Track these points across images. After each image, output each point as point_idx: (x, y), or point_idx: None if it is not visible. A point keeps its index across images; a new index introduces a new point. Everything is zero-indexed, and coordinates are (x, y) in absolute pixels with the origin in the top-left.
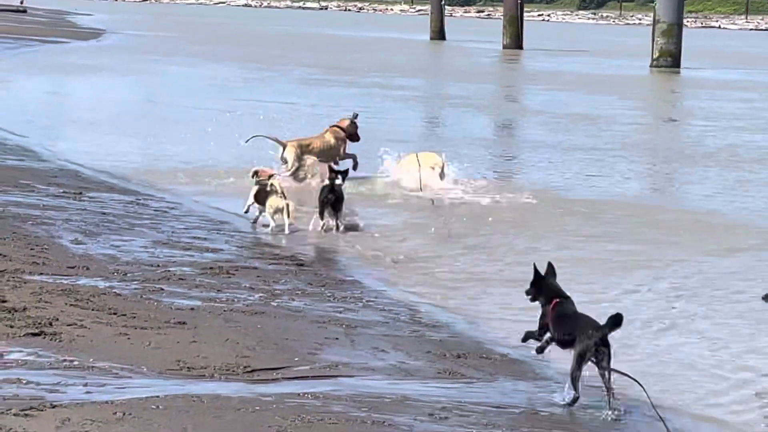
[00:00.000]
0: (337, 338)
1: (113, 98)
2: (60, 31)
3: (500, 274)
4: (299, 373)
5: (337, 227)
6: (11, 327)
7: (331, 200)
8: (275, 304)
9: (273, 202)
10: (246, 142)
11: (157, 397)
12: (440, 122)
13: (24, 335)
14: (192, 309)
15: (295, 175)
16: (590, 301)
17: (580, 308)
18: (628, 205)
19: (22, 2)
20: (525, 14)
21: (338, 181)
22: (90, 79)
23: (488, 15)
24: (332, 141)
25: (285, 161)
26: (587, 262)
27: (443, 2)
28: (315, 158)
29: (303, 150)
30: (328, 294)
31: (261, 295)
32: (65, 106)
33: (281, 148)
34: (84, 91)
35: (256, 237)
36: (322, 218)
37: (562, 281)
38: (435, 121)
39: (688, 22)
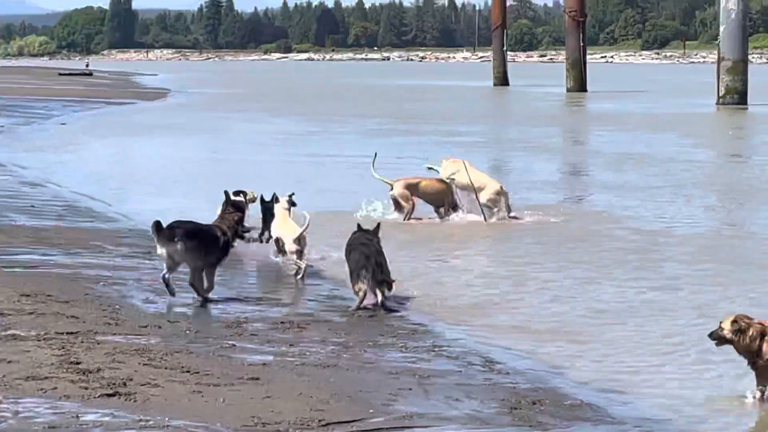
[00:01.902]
0: (410, 388)
1: (180, 157)
2: (125, 92)
3: (573, 316)
4: (374, 425)
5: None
6: (86, 389)
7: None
8: (347, 356)
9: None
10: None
11: None
12: (506, 166)
13: (99, 396)
14: (264, 364)
15: (401, 212)
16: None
17: None
18: (699, 239)
19: (87, 65)
20: (588, 57)
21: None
22: (156, 138)
23: (551, 59)
24: (438, 184)
25: (394, 199)
26: (670, 303)
27: (505, 48)
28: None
29: (411, 189)
30: (400, 344)
31: (333, 347)
32: (133, 167)
33: (390, 187)
34: (151, 150)
35: (326, 289)
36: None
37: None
38: (501, 166)
39: (753, 58)
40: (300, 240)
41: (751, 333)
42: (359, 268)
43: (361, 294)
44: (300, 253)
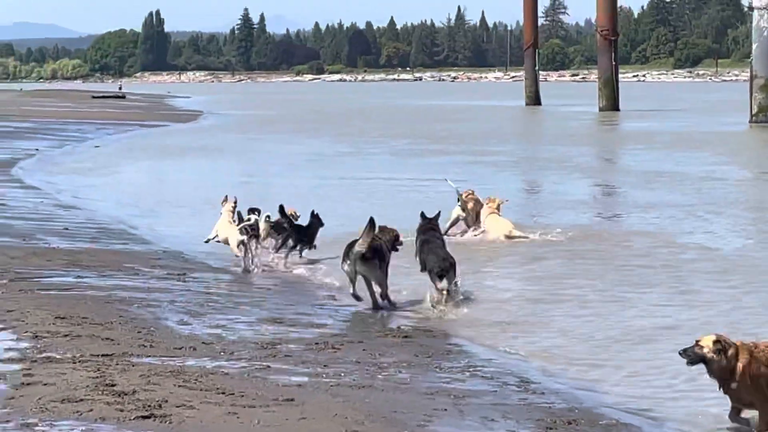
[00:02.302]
0: (445, 409)
1: (212, 179)
2: (158, 115)
3: (607, 335)
4: None
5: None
6: (121, 411)
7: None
8: (382, 377)
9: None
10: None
11: None
12: (539, 186)
13: (134, 419)
14: (299, 385)
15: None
16: None
17: None
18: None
19: (120, 87)
20: (620, 75)
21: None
22: (189, 160)
23: (583, 78)
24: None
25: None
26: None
27: (537, 68)
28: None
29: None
30: (435, 364)
31: (367, 368)
32: (166, 189)
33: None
34: (184, 172)
35: (360, 311)
36: None
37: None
38: (533, 185)
39: None
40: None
41: (730, 353)
42: (441, 270)
43: (444, 293)
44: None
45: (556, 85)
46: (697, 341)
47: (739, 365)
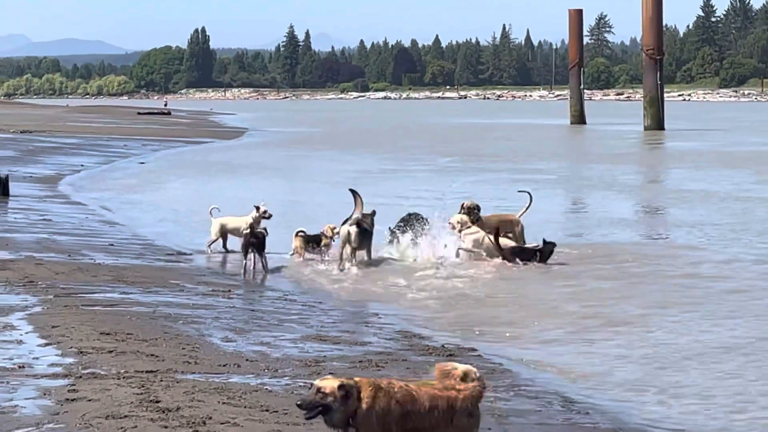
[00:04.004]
0: (489, 429)
1: (257, 196)
2: (203, 132)
3: (653, 355)
4: None
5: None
6: (165, 427)
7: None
8: None
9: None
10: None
11: None
12: (583, 204)
13: None
14: None
15: None
16: None
17: None
18: None
19: (166, 104)
20: (665, 95)
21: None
22: (233, 177)
23: (628, 97)
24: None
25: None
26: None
27: (582, 86)
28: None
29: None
30: None
31: None
32: (210, 205)
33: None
34: (228, 189)
35: (404, 329)
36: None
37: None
38: (578, 204)
39: None
40: None
41: (355, 395)
42: None
43: None
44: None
45: (600, 104)
46: (318, 388)
47: (362, 406)
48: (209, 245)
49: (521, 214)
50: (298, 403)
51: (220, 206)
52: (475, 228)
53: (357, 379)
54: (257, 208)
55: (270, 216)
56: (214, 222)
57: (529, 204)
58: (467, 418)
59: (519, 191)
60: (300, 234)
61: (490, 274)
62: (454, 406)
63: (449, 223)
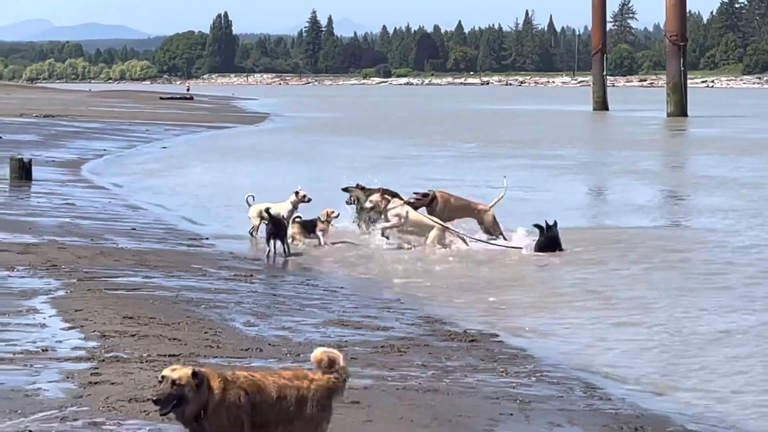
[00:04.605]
0: (511, 414)
1: (279, 181)
2: (225, 117)
3: (673, 340)
4: None
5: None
6: None
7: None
8: (448, 380)
9: None
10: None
11: None
12: (605, 190)
13: None
14: (365, 388)
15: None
16: None
17: None
18: None
19: (188, 89)
20: (688, 81)
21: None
22: (256, 162)
23: (651, 83)
24: None
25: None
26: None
27: (605, 72)
28: None
29: None
30: (501, 369)
31: (433, 372)
32: (233, 190)
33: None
34: (251, 174)
35: (426, 314)
36: None
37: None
38: (600, 190)
39: None
40: None
41: (206, 385)
42: None
43: None
44: None
45: (623, 91)
46: (173, 380)
47: (215, 398)
48: (253, 232)
49: (493, 205)
50: (154, 398)
51: (246, 191)
52: (397, 201)
53: (203, 369)
54: (296, 193)
55: (309, 200)
56: (253, 208)
57: (503, 195)
58: (318, 411)
59: (504, 177)
60: (297, 221)
61: (512, 259)
62: (304, 397)
63: (370, 201)
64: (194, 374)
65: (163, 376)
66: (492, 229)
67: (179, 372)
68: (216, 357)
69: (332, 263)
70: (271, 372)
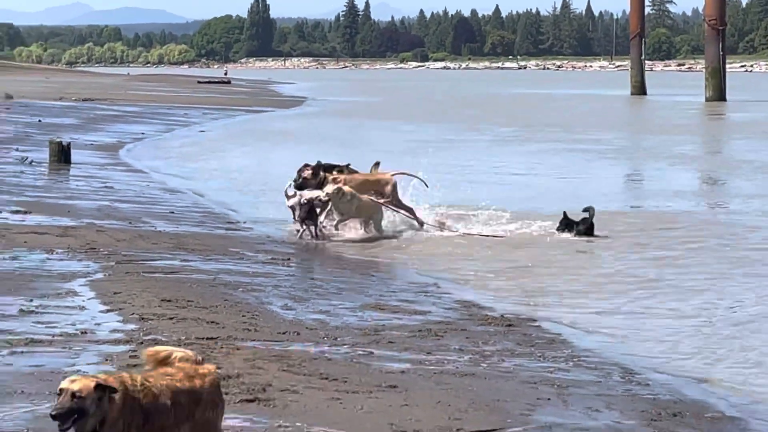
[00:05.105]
0: (549, 399)
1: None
2: (263, 101)
3: (713, 325)
4: None
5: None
6: (226, 394)
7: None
8: (485, 365)
9: None
10: None
11: None
12: (643, 175)
13: (239, 402)
14: (402, 372)
15: None
16: None
17: None
18: None
19: (226, 73)
20: (727, 65)
21: None
22: (294, 146)
23: (689, 68)
24: None
25: None
26: None
27: (643, 57)
28: None
29: None
30: (539, 354)
31: (471, 356)
32: (270, 174)
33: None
34: (288, 158)
35: (462, 298)
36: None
37: None
38: (638, 174)
39: None
40: None
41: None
42: None
43: None
44: None
45: (661, 75)
46: (73, 392)
47: (114, 412)
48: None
49: (396, 173)
50: (53, 413)
51: (282, 176)
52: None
53: (103, 377)
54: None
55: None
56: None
57: (418, 176)
58: (212, 411)
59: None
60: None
61: (548, 244)
62: (199, 398)
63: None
64: (97, 386)
65: (61, 389)
66: (392, 198)
67: (79, 383)
68: (253, 340)
69: (370, 248)
70: (162, 374)
